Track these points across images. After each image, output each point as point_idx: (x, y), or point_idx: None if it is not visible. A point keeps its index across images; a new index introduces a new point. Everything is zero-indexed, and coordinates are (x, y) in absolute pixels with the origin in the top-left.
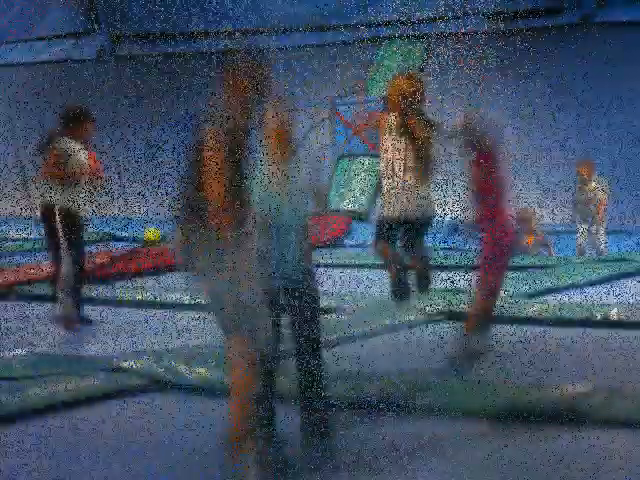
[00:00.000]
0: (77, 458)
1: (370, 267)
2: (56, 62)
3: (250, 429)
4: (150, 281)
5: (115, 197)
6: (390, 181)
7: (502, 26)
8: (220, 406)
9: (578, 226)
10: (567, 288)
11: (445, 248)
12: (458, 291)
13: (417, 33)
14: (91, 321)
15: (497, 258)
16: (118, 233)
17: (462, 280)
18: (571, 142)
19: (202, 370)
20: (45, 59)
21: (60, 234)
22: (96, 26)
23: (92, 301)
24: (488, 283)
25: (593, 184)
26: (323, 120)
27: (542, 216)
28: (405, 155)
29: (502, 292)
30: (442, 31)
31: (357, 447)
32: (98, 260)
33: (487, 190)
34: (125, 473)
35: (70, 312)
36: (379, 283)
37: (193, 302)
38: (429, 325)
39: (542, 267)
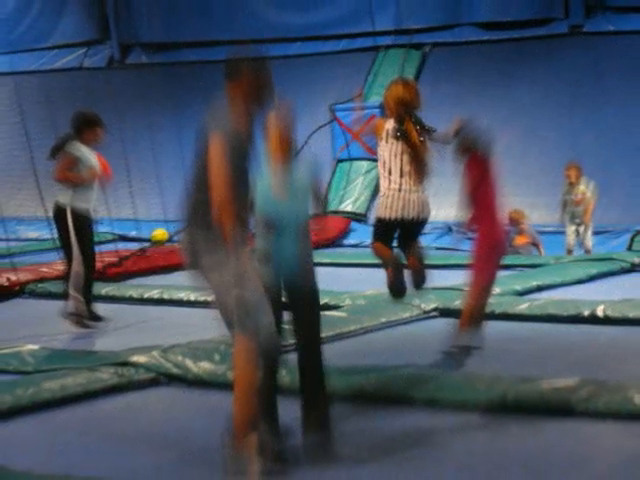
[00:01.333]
0: None
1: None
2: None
3: (253, 423)
4: None
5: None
6: (387, 183)
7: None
8: None
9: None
10: None
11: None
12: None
13: (413, 41)
14: (101, 318)
15: (489, 257)
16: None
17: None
18: (559, 146)
19: None
20: (57, 67)
21: (72, 234)
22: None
23: None
24: (480, 282)
25: (581, 186)
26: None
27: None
28: (402, 159)
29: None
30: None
31: None
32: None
33: (480, 192)
34: None
35: (81, 309)
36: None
37: None
38: None
39: None
